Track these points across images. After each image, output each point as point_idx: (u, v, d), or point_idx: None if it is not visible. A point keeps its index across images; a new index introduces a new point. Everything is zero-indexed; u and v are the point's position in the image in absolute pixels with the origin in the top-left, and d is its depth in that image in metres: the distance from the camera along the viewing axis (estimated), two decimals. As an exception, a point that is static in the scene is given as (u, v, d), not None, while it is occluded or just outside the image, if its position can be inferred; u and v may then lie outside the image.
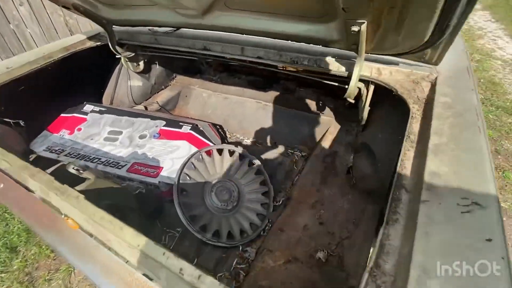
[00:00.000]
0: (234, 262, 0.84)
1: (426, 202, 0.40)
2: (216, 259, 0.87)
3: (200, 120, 1.45)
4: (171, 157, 0.96)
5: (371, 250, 0.41)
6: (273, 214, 0.93)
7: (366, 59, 0.74)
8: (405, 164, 0.50)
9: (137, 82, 1.47)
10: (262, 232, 0.91)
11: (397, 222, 0.42)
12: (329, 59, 0.79)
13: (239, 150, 1.03)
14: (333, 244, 0.80)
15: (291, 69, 1.42)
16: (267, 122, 1.33)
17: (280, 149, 1.28)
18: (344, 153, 1.07)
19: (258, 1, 0.67)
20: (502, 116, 2.34)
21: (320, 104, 1.31)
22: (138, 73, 1.45)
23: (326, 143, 1.10)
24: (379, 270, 0.37)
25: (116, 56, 1.25)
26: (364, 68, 0.75)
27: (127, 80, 1.45)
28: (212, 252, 0.89)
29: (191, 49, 1.05)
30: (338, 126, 1.19)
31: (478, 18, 4.81)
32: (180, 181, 0.88)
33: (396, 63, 0.74)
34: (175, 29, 1.08)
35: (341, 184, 0.96)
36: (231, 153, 1.06)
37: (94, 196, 0.61)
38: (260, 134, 1.34)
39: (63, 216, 0.66)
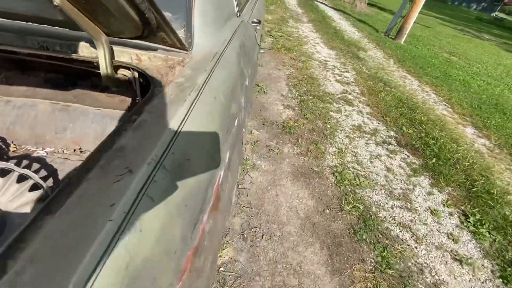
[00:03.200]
0: None
1: (91, 179, 0.38)
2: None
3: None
4: None
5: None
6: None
7: (124, 45, 0.72)
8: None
9: None
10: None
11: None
12: (82, 44, 0.71)
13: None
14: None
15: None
16: (69, 126, 1.13)
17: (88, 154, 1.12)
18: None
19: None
20: (317, 103, 3.02)
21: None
22: None
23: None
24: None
25: None
26: (124, 55, 0.72)
27: None
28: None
29: None
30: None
31: (305, 28, 6.07)
32: None
33: (155, 49, 0.75)
34: None
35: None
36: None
37: None
38: (61, 141, 1.13)
39: None
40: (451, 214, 1.95)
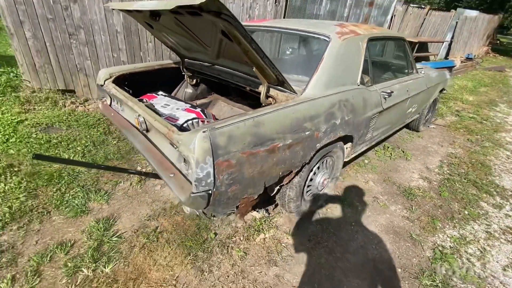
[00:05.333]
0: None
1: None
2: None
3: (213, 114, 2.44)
4: (185, 119, 1.92)
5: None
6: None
7: (274, 88, 1.61)
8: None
9: (189, 90, 2.60)
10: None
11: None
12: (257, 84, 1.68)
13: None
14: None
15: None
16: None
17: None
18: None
19: (235, 56, 1.65)
20: (468, 187, 2.64)
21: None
22: (192, 85, 2.58)
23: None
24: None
25: (182, 73, 2.40)
26: (273, 91, 1.61)
27: (185, 87, 2.60)
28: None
29: (216, 75, 2.08)
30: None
31: (523, 117, 4.88)
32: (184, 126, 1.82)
33: (284, 91, 1.57)
34: (210, 64, 2.16)
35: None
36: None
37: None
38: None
39: (135, 116, 1.67)
40: None
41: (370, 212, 2.22)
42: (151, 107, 1.69)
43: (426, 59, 9.30)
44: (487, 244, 1.99)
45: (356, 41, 1.85)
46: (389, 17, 7.44)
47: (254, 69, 1.43)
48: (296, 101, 1.46)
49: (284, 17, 4.35)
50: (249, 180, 1.26)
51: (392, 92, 2.17)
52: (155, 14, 1.48)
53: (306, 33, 1.90)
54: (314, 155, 1.62)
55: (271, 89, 1.63)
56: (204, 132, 1.05)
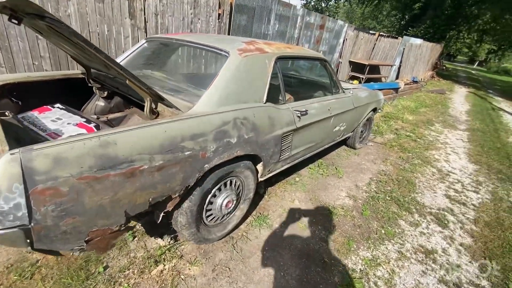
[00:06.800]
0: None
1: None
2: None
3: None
4: (70, 135, 1.71)
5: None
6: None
7: (158, 102, 1.48)
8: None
9: (101, 103, 2.38)
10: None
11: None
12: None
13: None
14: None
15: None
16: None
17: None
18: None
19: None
20: (390, 206, 2.67)
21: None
22: (103, 98, 2.37)
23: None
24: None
25: (88, 85, 2.19)
26: (160, 106, 1.48)
27: (96, 100, 2.38)
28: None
29: (115, 87, 1.91)
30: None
31: (452, 136, 5.27)
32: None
33: (170, 107, 1.45)
34: (112, 76, 1.99)
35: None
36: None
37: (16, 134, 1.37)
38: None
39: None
40: None
41: (288, 234, 2.12)
42: (11, 121, 1.46)
43: (379, 80, 9.97)
44: (397, 265, 1.97)
45: (261, 59, 1.81)
46: (341, 40, 7.89)
47: (127, 81, 1.29)
48: (174, 118, 1.34)
49: (228, 34, 4.35)
50: (96, 210, 1.07)
51: (306, 110, 2.15)
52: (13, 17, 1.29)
53: (209, 48, 1.82)
54: (202, 176, 1.48)
55: (160, 104, 1.49)
56: (12, 154, 0.87)
